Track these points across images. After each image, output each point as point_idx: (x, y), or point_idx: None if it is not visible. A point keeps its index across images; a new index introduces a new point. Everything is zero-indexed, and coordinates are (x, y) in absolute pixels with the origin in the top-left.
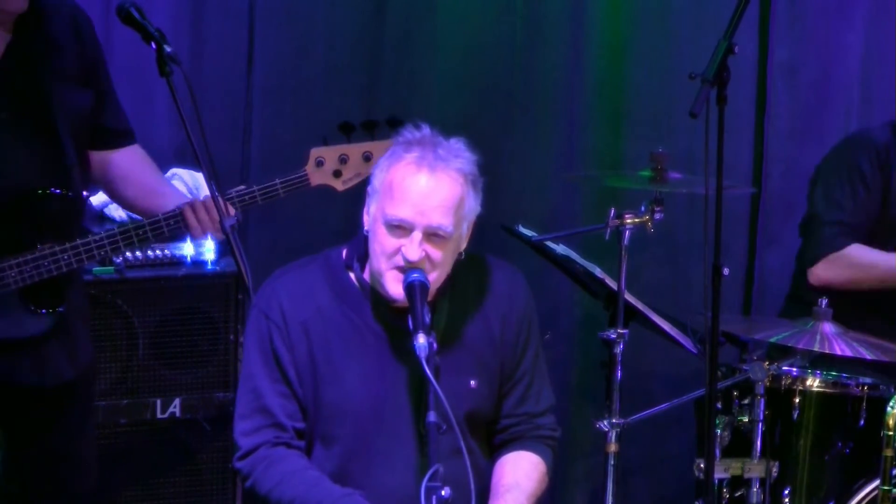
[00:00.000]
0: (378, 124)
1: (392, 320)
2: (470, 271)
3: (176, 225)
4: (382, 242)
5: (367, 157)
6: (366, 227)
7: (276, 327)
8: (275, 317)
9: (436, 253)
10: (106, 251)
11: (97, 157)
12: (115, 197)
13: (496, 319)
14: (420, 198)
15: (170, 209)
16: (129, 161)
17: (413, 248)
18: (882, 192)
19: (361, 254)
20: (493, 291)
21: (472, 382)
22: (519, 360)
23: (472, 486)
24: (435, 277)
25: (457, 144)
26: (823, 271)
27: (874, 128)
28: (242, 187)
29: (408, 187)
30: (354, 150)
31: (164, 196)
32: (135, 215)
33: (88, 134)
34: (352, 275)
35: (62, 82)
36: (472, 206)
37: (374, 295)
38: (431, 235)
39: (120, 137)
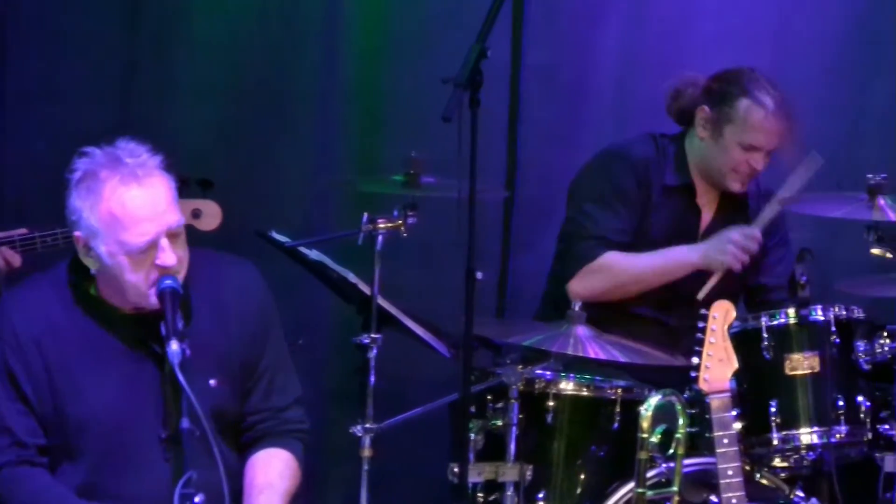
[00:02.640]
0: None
1: (131, 328)
2: (202, 268)
3: None
4: (134, 271)
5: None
6: (94, 270)
7: (8, 346)
8: (7, 336)
9: (179, 251)
10: None
11: None
12: None
13: (233, 315)
14: (147, 210)
15: None
16: None
17: (168, 254)
18: (641, 208)
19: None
20: (227, 287)
21: (213, 381)
22: (260, 354)
23: (226, 490)
24: (182, 276)
25: (128, 145)
26: (580, 285)
27: (633, 141)
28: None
29: (131, 209)
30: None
31: None
32: None
33: None
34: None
35: None
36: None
37: (107, 304)
38: (172, 236)
39: None
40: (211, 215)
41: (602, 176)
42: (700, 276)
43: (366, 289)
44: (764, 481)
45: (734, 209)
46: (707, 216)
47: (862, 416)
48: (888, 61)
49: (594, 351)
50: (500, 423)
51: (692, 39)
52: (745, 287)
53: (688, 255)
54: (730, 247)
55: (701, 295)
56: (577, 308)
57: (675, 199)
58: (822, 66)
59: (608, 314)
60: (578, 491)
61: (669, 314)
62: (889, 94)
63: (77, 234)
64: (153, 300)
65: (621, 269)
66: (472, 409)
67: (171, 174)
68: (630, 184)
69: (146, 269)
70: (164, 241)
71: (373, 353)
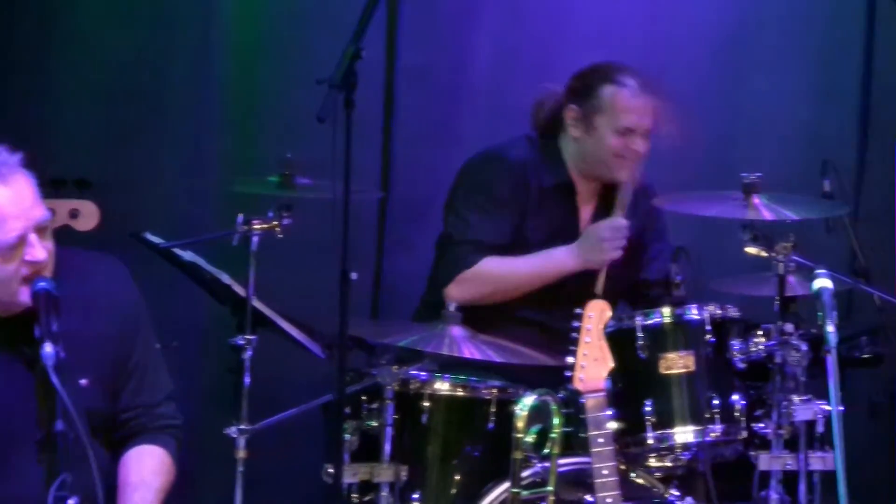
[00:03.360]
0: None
1: (4, 329)
2: (69, 266)
3: None
4: (2, 268)
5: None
6: None
7: None
8: None
9: (47, 244)
10: None
11: None
12: None
13: (101, 312)
14: (14, 208)
15: None
16: None
17: (38, 249)
18: (520, 211)
19: None
20: (95, 284)
21: (83, 381)
22: (130, 351)
23: (100, 491)
24: (49, 271)
25: None
26: (457, 291)
27: (510, 144)
28: None
29: None
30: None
31: None
32: None
33: None
34: None
35: None
36: None
37: None
38: (39, 231)
39: None
40: (88, 215)
41: (479, 180)
42: (581, 277)
43: (240, 290)
44: (639, 480)
45: (613, 206)
46: (587, 215)
47: (737, 414)
48: (762, 61)
49: (469, 351)
50: (374, 423)
51: (566, 40)
52: (626, 285)
53: (565, 259)
54: (603, 243)
55: (598, 290)
56: (452, 309)
57: (553, 200)
58: (695, 65)
59: (491, 317)
60: (453, 491)
61: (553, 316)
62: (763, 94)
63: None
64: (23, 298)
65: (498, 274)
66: (347, 409)
67: (32, 171)
68: (507, 187)
69: (15, 265)
70: (33, 237)
71: (247, 355)
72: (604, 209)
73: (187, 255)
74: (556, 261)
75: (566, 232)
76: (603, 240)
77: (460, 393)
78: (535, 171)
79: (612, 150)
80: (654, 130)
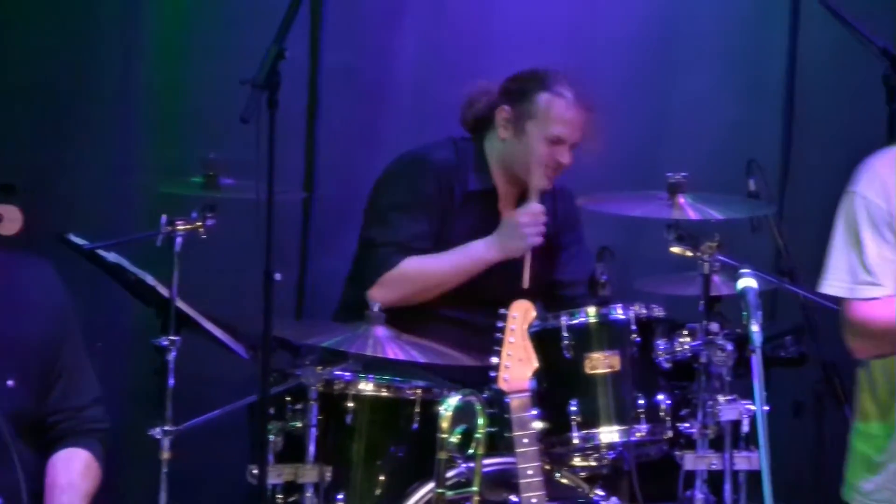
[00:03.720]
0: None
1: None
2: None
3: None
4: None
5: None
6: None
7: None
8: None
9: None
10: None
11: None
12: None
13: (29, 314)
14: None
15: None
16: None
17: None
18: (443, 214)
19: None
20: (23, 286)
21: (10, 382)
22: (58, 354)
23: (24, 493)
24: None
25: None
26: (380, 293)
27: (433, 146)
28: None
29: None
30: None
31: None
32: None
33: None
34: None
35: None
36: None
37: None
38: None
39: None
40: (11, 220)
41: (402, 182)
42: (504, 273)
43: (164, 291)
44: (564, 480)
45: None
46: None
47: (662, 414)
48: (685, 61)
49: (393, 352)
50: (299, 424)
51: (491, 40)
52: (539, 285)
53: (486, 251)
54: (521, 229)
55: (525, 283)
56: (375, 309)
57: (476, 204)
58: (620, 66)
59: (415, 317)
60: (378, 492)
61: (477, 315)
62: (687, 93)
63: None
64: None
65: (420, 273)
66: (272, 410)
67: None
68: (431, 189)
69: None
70: None
71: (171, 356)
72: None
73: (111, 257)
74: (477, 253)
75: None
76: (521, 225)
77: (384, 393)
78: (458, 174)
79: (539, 157)
80: (581, 144)
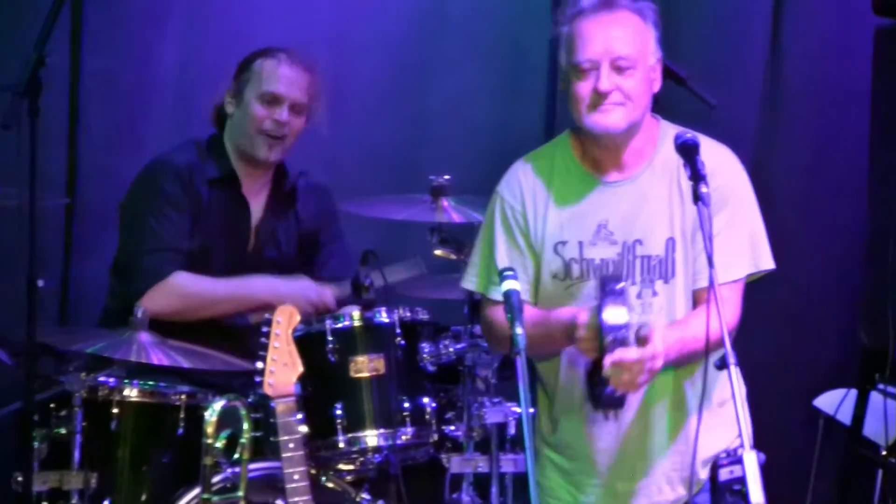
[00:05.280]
0: None
1: None
2: None
3: None
4: None
5: None
6: None
7: None
8: None
9: None
10: None
11: None
12: None
13: None
14: None
15: None
16: None
17: None
18: (193, 213)
19: None
20: None
21: None
22: None
23: None
24: None
25: None
26: (152, 304)
27: (175, 149)
28: None
29: None
30: None
31: None
32: None
33: None
34: None
35: None
36: None
37: None
38: None
39: None
40: None
41: (150, 188)
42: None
43: None
44: (330, 485)
45: (283, 203)
46: (257, 211)
47: (427, 417)
48: (446, 61)
49: (157, 357)
50: (64, 430)
51: (253, 42)
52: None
53: (263, 293)
54: (305, 306)
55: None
56: (139, 314)
57: (222, 195)
58: (383, 68)
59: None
60: (144, 497)
61: (242, 318)
62: (449, 96)
63: None
64: None
65: (194, 293)
66: (36, 417)
67: None
68: (177, 190)
69: None
70: None
71: None
72: (274, 210)
73: None
74: (255, 292)
75: (239, 227)
76: (309, 303)
77: (149, 399)
78: (199, 170)
79: (256, 119)
80: (310, 107)
